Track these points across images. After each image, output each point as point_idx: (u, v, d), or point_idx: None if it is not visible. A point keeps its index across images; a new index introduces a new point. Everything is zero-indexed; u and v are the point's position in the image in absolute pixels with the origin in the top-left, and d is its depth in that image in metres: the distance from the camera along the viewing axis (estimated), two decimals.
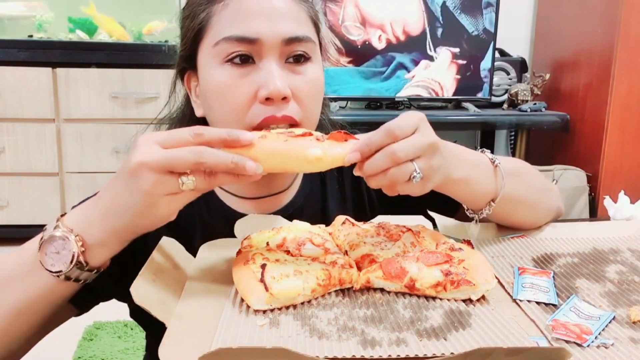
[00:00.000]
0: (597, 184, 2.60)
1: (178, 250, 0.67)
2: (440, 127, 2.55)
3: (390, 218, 0.75)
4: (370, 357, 0.46)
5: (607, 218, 0.92)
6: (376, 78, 2.69)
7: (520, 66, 2.90)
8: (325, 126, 0.85)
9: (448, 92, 2.75)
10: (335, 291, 0.59)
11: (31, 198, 2.59)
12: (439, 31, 2.68)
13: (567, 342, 0.49)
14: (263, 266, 0.57)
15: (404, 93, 2.71)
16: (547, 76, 2.79)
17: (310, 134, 0.60)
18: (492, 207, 0.72)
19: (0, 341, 0.62)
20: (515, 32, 3.07)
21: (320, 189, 0.85)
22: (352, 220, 0.72)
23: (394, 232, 0.67)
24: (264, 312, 0.55)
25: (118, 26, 2.72)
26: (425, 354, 0.47)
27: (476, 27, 2.69)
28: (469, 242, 0.73)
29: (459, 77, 2.73)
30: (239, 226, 0.73)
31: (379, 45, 2.66)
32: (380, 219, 0.76)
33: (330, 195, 0.85)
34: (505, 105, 2.85)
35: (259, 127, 0.69)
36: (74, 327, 1.91)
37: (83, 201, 0.69)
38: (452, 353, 0.46)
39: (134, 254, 0.64)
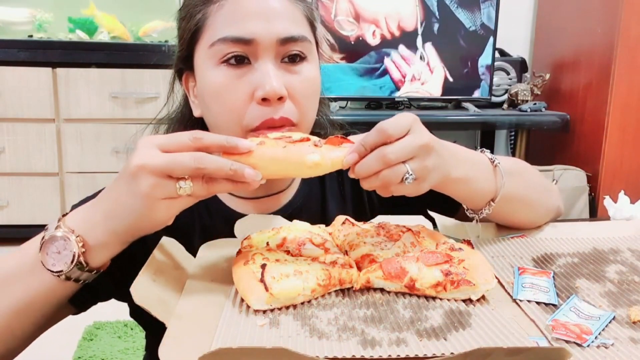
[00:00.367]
0: (597, 184, 2.60)
1: (178, 250, 0.67)
2: (440, 127, 2.56)
3: (390, 218, 0.75)
4: (370, 357, 0.46)
5: (607, 218, 0.92)
6: (370, 75, 2.64)
7: (520, 66, 2.90)
8: (325, 126, 0.86)
9: (444, 88, 2.69)
10: (335, 291, 0.59)
11: (31, 198, 2.59)
12: (435, 26, 2.63)
13: (567, 342, 0.49)
14: (263, 266, 0.57)
15: (395, 87, 2.65)
16: (547, 76, 2.79)
17: (308, 139, 0.60)
18: (492, 206, 0.72)
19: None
20: (515, 32, 3.07)
21: (319, 189, 0.85)
22: (352, 220, 0.72)
23: (394, 232, 0.67)
24: (264, 312, 0.55)
25: (119, 24, 2.72)
26: (425, 354, 0.46)
27: (474, 23, 2.64)
28: (469, 242, 0.73)
29: (455, 73, 2.69)
30: (239, 226, 0.73)
31: (373, 41, 2.60)
32: (380, 219, 0.76)
33: (330, 196, 0.85)
34: (505, 105, 2.85)
35: (256, 130, 0.69)
36: (74, 327, 1.91)
37: (83, 200, 0.69)
38: (452, 353, 0.46)
39: (134, 255, 0.64)
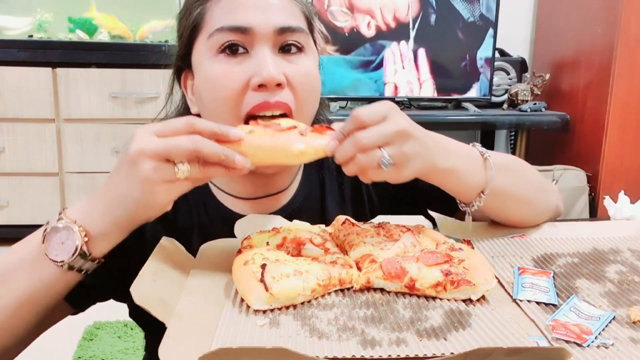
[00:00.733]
0: (597, 184, 2.60)
1: (178, 250, 0.67)
2: (440, 127, 2.55)
3: (390, 218, 0.75)
4: (370, 357, 0.46)
5: (607, 218, 0.92)
6: (365, 68, 2.56)
7: (520, 66, 2.90)
8: None
9: (442, 83, 2.64)
10: (335, 291, 0.59)
11: (31, 198, 2.59)
12: (432, 17, 2.54)
13: (567, 342, 0.49)
14: (263, 266, 0.57)
15: (391, 81, 2.57)
16: (547, 76, 2.79)
17: (295, 127, 0.63)
18: (482, 199, 0.72)
19: (0, 335, 0.63)
20: (515, 32, 3.06)
21: (319, 189, 0.85)
22: (352, 220, 0.72)
23: (394, 232, 0.67)
24: (264, 312, 0.55)
25: (120, 23, 2.72)
26: (425, 354, 0.46)
27: (472, 14, 2.56)
28: (469, 242, 0.73)
29: (453, 67, 2.63)
30: (239, 226, 0.73)
31: (368, 32, 2.51)
32: (380, 219, 0.76)
33: (330, 196, 0.85)
34: (505, 105, 2.85)
35: (251, 113, 0.70)
36: (74, 327, 1.91)
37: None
38: (452, 353, 0.46)
39: (133, 255, 0.65)
